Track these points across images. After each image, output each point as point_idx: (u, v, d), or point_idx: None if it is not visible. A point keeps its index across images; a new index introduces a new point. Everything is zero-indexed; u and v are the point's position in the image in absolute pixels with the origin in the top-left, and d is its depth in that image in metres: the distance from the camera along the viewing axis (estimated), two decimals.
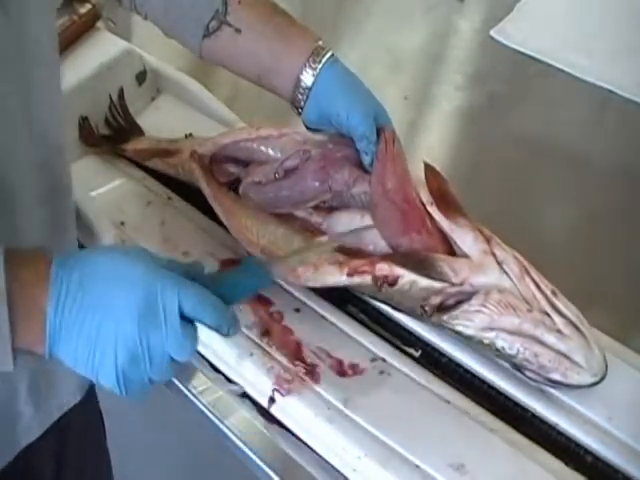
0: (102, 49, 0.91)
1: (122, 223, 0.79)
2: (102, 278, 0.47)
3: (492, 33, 1.13)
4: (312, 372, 0.65)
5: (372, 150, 0.66)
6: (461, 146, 0.97)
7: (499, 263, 0.62)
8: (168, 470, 1.52)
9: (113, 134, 0.90)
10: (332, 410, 0.62)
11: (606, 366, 0.60)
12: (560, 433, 0.62)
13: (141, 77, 0.94)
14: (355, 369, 0.66)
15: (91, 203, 0.78)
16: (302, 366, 0.65)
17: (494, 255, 0.63)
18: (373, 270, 0.63)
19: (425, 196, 0.66)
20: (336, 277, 0.64)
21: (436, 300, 0.63)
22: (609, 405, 0.63)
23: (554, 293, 0.62)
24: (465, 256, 0.63)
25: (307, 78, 0.67)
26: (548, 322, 0.61)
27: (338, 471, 0.60)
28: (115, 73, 0.90)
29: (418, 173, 0.68)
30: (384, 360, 0.66)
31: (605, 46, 1.10)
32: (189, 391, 0.67)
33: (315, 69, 0.67)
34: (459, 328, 0.63)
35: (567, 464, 0.60)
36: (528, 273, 0.62)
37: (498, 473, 0.59)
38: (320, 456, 0.61)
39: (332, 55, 0.68)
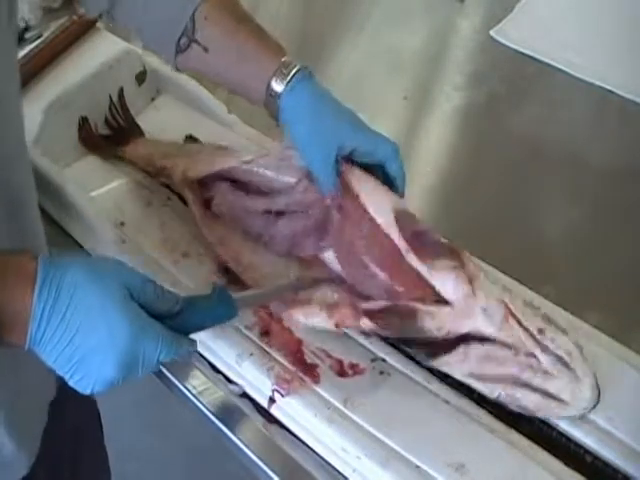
0: (102, 49, 0.91)
1: (122, 223, 0.79)
2: (87, 314, 0.48)
3: (492, 33, 1.13)
4: (312, 372, 0.65)
5: (331, 189, 0.65)
6: (461, 146, 0.97)
7: (483, 310, 0.61)
8: (168, 470, 1.52)
9: (113, 134, 0.90)
10: (332, 410, 0.62)
11: (598, 393, 0.59)
12: (560, 433, 0.62)
13: (141, 77, 0.94)
14: (355, 369, 0.66)
15: (91, 203, 0.78)
16: (302, 366, 0.65)
17: (477, 297, 0.61)
18: (358, 325, 0.63)
19: (400, 243, 0.64)
20: (325, 325, 0.65)
21: (421, 349, 0.64)
22: (609, 405, 0.63)
23: (541, 331, 0.60)
24: (447, 302, 0.62)
25: (273, 101, 0.65)
26: (535, 364, 0.60)
27: (338, 471, 0.60)
28: (115, 73, 0.90)
29: (395, 200, 0.65)
30: (384, 360, 0.66)
31: (605, 46, 1.10)
32: (189, 391, 0.67)
33: (279, 91, 0.64)
34: (445, 370, 0.63)
35: (567, 464, 0.60)
36: (513, 315, 0.60)
37: (498, 473, 0.59)
38: (320, 456, 0.61)
39: (298, 71, 0.64)
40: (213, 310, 0.57)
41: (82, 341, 0.48)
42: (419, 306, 0.62)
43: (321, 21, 1.21)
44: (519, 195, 0.89)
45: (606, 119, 1.02)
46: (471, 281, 0.61)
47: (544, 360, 0.60)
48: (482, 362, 0.61)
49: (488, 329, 0.61)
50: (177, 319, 0.54)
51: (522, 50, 1.09)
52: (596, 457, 0.61)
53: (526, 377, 0.60)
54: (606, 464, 0.61)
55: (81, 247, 0.77)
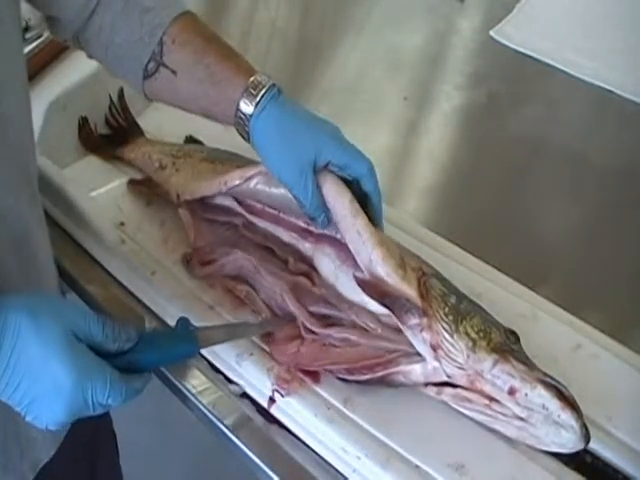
0: None
1: (122, 223, 0.79)
2: (30, 365, 0.48)
3: (492, 33, 1.13)
4: (312, 372, 0.64)
5: (314, 208, 0.63)
6: (461, 146, 0.97)
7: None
8: (168, 470, 1.52)
9: (113, 134, 0.90)
10: (332, 410, 0.62)
11: (586, 433, 0.56)
12: None
13: None
14: None
15: (91, 203, 0.78)
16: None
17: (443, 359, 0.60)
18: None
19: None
20: None
21: None
22: (609, 405, 0.63)
23: (512, 392, 0.57)
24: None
25: (243, 123, 0.63)
26: (509, 413, 0.58)
27: (338, 471, 0.60)
28: None
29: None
30: None
31: (605, 46, 1.10)
32: (189, 391, 0.67)
33: (249, 113, 0.62)
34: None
35: (567, 464, 0.60)
36: (480, 375, 0.58)
37: (498, 473, 0.59)
38: (320, 456, 0.61)
39: (267, 90, 0.62)
40: (172, 348, 0.56)
41: (28, 388, 0.48)
42: (392, 369, 0.61)
43: (321, 21, 1.21)
44: (519, 195, 0.89)
45: (606, 119, 1.02)
46: (435, 348, 0.60)
47: (519, 412, 0.57)
48: (455, 400, 0.60)
49: (459, 380, 0.60)
50: (131, 357, 0.53)
51: (522, 50, 1.09)
52: (596, 457, 0.61)
53: (503, 420, 0.59)
54: (606, 464, 0.61)
55: (81, 247, 0.77)
